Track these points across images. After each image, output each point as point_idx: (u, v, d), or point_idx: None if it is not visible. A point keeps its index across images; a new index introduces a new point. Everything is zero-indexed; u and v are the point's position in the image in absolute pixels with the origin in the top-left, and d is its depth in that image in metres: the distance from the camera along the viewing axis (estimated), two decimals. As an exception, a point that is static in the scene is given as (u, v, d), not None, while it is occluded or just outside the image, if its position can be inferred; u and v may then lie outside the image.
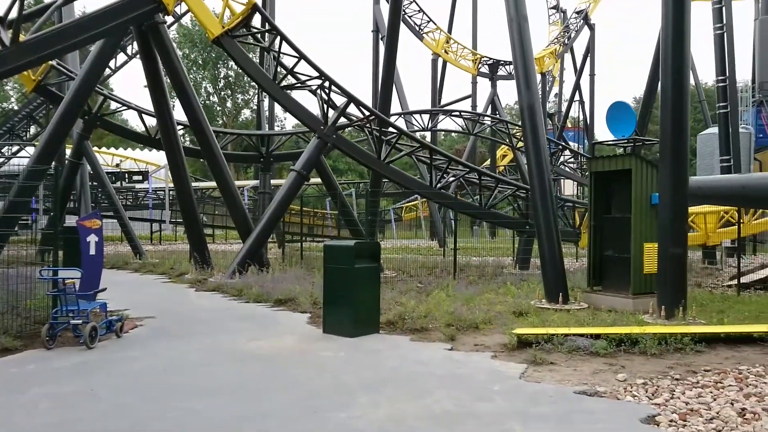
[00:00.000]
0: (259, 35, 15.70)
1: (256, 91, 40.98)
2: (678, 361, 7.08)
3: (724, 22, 23.36)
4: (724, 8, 23.20)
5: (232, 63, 61.28)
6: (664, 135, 9.74)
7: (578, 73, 42.98)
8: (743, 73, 44.25)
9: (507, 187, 17.57)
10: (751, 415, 5.18)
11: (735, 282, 14.10)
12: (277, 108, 53.86)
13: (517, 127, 28.18)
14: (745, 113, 33.82)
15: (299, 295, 11.60)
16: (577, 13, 40.74)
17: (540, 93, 25.01)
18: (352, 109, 15.96)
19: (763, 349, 7.71)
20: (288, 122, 67.16)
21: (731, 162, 23.31)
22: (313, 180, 23.12)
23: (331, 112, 15.40)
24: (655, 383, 6.15)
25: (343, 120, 15.69)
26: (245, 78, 63.18)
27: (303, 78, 15.36)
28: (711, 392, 5.84)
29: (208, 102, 62.85)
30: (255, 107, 43.03)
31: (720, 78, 23.94)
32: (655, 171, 10.90)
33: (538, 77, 36.25)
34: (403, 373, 6.63)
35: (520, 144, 28.24)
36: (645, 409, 5.37)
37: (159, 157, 39.58)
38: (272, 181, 27.44)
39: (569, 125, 49.06)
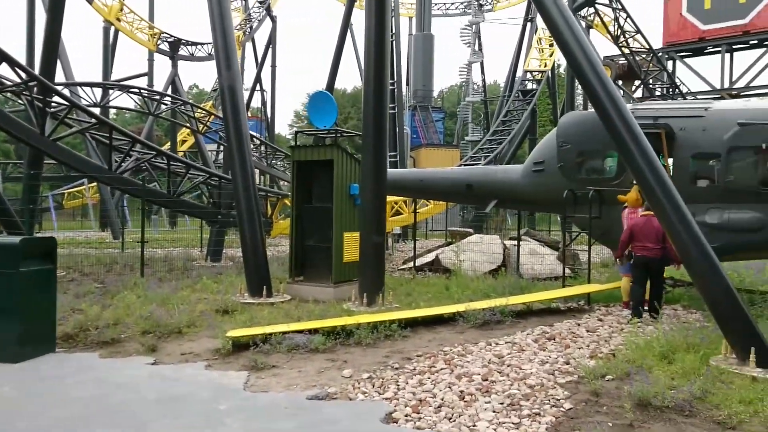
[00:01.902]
0: None
1: None
2: (391, 349, 7.28)
3: (393, 31, 26.07)
4: (393, 18, 25.87)
5: None
6: (367, 129, 10.08)
7: (260, 64, 43.35)
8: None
9: (198, 173, 16.38)
10: (470, 397, 5.50)
11: (408, 265, 15.72)
12: None
13: (200, 110, 26.78)
14: (403, 116, 38.43)
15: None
16: (260, 2, 40.90)
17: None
18: (3, 70, 12.80)
19: (454, 327, 8.53)
20: None
21: (398, 158, 26.23)
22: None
23: (-28, 72, 12.04)
24: (379, 376, 6.15)
25: (-10, 83, 12.44)
26: None
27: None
28: (429, 378, 6.08)
29: None
30: None
31: (390, 82, 26.68)
32: (355, 162, 11.27)
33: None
34: (103, 404, 5.29)
35: (204, 128, 27.00)
36: (380, 407, 5.25)
37: None
38: None
39: (250, 115, 49.34)
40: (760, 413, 5.01)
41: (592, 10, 25.66)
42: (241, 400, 5.42)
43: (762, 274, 12.80)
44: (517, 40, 38.18)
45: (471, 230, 18.63)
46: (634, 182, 10.17)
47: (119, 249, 19.58)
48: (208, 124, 26.67)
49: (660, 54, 27.91)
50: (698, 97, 28.47)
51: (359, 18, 43.69)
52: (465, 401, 5.40)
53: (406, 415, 5.08)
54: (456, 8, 48.33)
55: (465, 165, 26.42)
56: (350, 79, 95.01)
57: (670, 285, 10.76)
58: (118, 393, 5.57)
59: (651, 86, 28.20)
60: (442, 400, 5.43)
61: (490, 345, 7.47)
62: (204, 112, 26.71)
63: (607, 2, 24.12)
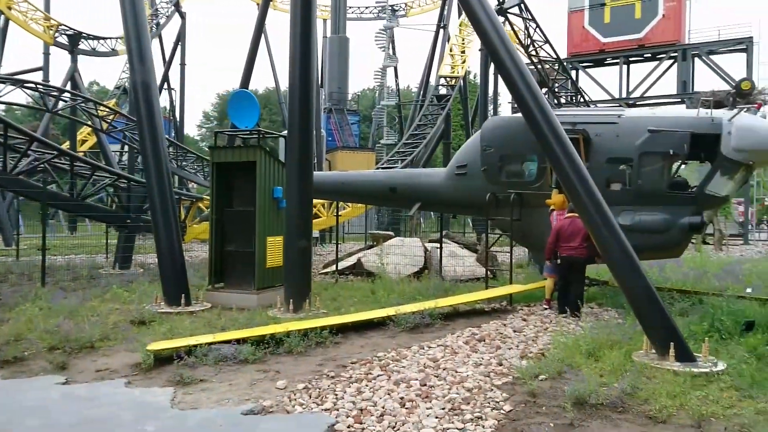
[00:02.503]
0: None
1: None
2: (325, 357, 7.07)
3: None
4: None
5: None
6: (292, 131, 9.80)
7: (168, 62, 41.51)
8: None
9: (104, 175, 15.35)
10: (411, 403, 5.40)
11: (330, 269, 15.47)
12: None
13: (104, 108, 25.17)
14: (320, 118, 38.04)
15: None
16: (168, -1, 39.21)
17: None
18: None
19: (385, 332, 8.43)
20: None
21: (315, 160, 25.90)
22: None
23: None
24: (315, 385, 5.93)
25: None
26: None
27: None
28: (367, 385, 5.93)
29: None
30: None
31: (307, 83, 26.29)
32: (278, 164, 10.93)
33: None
34: None
35: (108, 127, 25.37)
36: (321, 419, 5.05)
37: None
38: None
39: (157, 114, 47.08)
40: (686, 406, 5.25)
41: (503, 19, 26.52)
42: (170, 420, 5.04)
43: (663, 272, 13.67)
44: (430, 46, 38.90)
45: (392, 233, 18.67)
46: (554, 186, 10.55)
47: (13, 257, 18.04)
48: (111, 122, 25.12)
49: (565, 63, 29.32)
50: (598, 105, 30.17)
51: (274, 18, 42.71)
52: (406, 408, 5.30)
53: (348, 426, 4.91)
54: (370, 12, 48.57)
55: (383, 168, 26.46)
56: (262, 79, 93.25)
57: (586, 284, 11.20)
58: (27, 419, 5.01)
59: (557, 94, 29.56)
60: (383, 408, 5.30)
61: (423, 348, 7.44)
62: (108, 110, 25.15)
63: (518, 12, 25.00)
